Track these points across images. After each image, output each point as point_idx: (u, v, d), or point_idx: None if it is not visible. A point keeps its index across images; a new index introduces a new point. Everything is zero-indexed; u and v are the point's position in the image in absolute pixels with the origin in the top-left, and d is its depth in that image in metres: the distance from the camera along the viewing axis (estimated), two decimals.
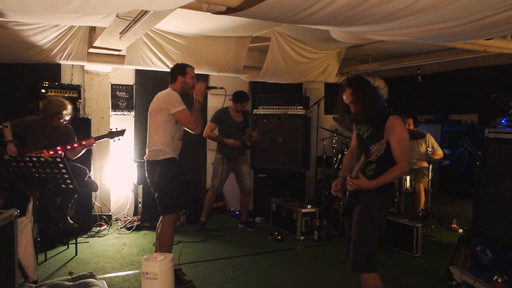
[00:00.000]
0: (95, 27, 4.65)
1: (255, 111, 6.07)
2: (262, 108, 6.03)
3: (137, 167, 5.36)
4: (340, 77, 6.55)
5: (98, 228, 5.10)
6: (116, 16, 3.50)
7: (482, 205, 3.27)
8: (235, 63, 5.66)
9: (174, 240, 3.69)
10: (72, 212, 4.52)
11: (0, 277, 2.17)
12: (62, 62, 4.91)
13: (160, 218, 3.56)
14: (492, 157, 3.22)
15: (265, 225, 5.62)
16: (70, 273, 3.24)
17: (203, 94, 3.60)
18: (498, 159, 3.17)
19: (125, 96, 5.79)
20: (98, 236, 4.91)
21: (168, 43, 5.10)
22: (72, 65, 5.31)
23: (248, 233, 5.29)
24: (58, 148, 4.02)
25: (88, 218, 5.04)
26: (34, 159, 3.11)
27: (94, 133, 5.16)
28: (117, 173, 5.64)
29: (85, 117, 5.27)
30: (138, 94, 5.87)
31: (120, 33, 4.13)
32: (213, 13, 2.88)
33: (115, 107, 5.73)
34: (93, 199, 5.15)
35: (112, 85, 5.70)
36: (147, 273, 2.89)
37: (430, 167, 5.18)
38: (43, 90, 4.64)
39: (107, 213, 5.42)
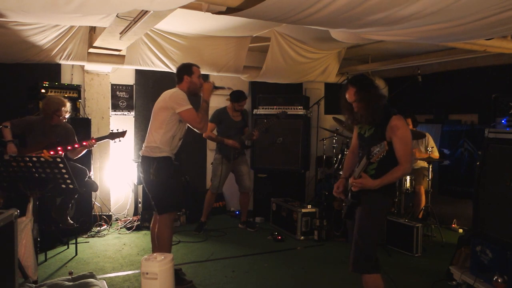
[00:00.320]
0: (95, 27, 4.65)
1: (255, 111, 6.07)
2: (262, 108, 6.02)
3: (137, 167, 5.34)
4: (340, 77, 6.55)
5: (98, 228, 5.10)
6: (116, 16, 3.50)
7: (482, 205, 3.27)
8: (235, 63, 5.66)
9: (173, 240, 3.68)
10: (72, 212, 4.52)
11: (0, 277, 2.17)
12: (62, 62, 4.91)
13: (153, 218, 3.54)
14: (492, 157, 3.22)
15: (265, 225, 5.62)
16: (70, 273, 3.24)
17: (210, 94, 3.61)
18: (498, 159, 3.17)
19: (125, 96, 5.79)
20: (98, 236, 4.91)
21: (168, 43, 5.10)
22: (72, 65, 5.31)
23: (248, 233, 5.29)
24: (59, 148, 4.02)
25: (88, 218, 5.04)
26: (34, 159, 3.11)
27: (94, 133, 5.17)
28: (117, 173, 5.64)
29: (85, 117, 5.27)
30: (138, 94, 5.87)
31: (120, 33, 4.13)
32: (213, 13, 2.88)
33: (115, 107, 5.74)
34: (93, 199, 5.15)
35: (112, 85, 5.70)
36: (147, 273, 2.88)
37: (430, 167, 5.18)
38: (43, 90, 4.64)
39: (107, 213, 5.42)
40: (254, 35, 5.36)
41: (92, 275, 3.08)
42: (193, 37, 5.17)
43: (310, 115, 6.13)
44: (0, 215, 2.13)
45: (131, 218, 5.43)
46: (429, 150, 5.18)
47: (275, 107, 5.96)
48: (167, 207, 3.43)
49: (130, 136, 5.78)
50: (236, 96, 5.16)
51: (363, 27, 3.07)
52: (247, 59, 5.72)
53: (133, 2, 2.48)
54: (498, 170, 3.14)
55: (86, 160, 4.74)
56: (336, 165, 5.48)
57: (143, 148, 3.51)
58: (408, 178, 5.16)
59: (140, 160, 3.54)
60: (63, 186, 3.31)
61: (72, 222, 4.34)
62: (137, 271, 3.79)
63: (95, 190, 4.81)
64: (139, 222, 5.24)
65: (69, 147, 4.10)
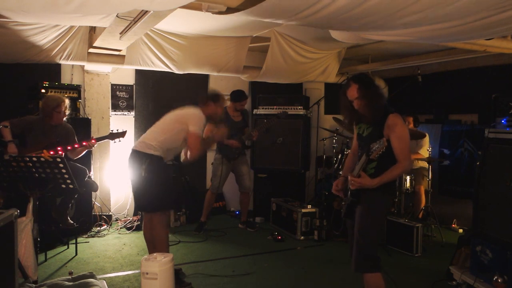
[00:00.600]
0: (95, 27, 4.65)
1: (255, 111, 6.07)
2: (262, 108, 6.02)
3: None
4: (340, 77, 6.56)
5: (98, 228, 5.10)
6: (116, 16, 3.50)
7: (482, 205, 3.27)
8: (235, 63, 5.66)
9: (173, 240, 3.67)
10: (72, 212, 4.52)
11: (0, 277, 2.17)
12: (62, 62, 4.91)
13: (144, 222, 3.49)
14: (492, 157, 3.22)
15: (265, 225, 5.62)
16: (70, 273, 3.24)
17: (219, 140, 3.76)
18: (498, 159, 3.17)
19: (125, 96, 5.79)
20: (98, 236, 4.91)
21: (168, 43, 5.10)
22: (72, 65, 5.31)
23: (248, 233, 5.29)
24: (59, 148, 4.02)
25: (88, 218, 5.04)
26: (34, 159, 3.11)
27: (94, 133, 5.17)
28: (117, 173, 5.64)
29: (85, 117, 5.27)
30: (138, 94, 5.87)
31: (120, 33, 4.13)
32: (213, 13, 2.88)
33: (115, 107, 5.74)
34: (93, 199, 5.15)
35: (112, 85, 5.70)
36: (147, 273, 2.88)
37: (430, 167, 5.18)
38: (43, 90, 4.63)
39: (107, 213, 5.42)
40: (254, 35, 5.36)
41: (92, 275, 3.08)
42: (193, 37, 5.17)
43: (310, 115, 6.13)
44: (0, 215, 2.13)
45: (131, 218, 5.43)
46: (429, 150, 5.19)
47: (275, 107, 5.95)
48: (161, 205, 3.36)
49: (130, 136, 5.78)
50: (237, 96, 5.15)
51: (363, 27, 3.08)
52: (247, 59, 5.72)
53: (133, 2, 2.49)
54: (498, 170, 3.14)
55: (86, 160, 4.74)
56: (336, 165, 5.47)
57: (136, 143, 3.47)
58: (408, 178, 5.16)
59: (131, 155, 3.42)
60: (63, 186, 3.30)
61: (72, 222, 4.34)
62: (137, 271, 3.79)
63: (95, 190, 4.82)
64: (139, 222, 5.24)
65: (69, 147, 4.10)
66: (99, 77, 5.55)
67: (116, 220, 5.54)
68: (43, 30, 4.35)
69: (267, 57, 5.55)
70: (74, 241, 4.31)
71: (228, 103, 5.25)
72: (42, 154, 3.20)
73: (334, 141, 5.89)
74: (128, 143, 5.68)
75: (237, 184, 5.39)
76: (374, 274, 2.63)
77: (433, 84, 6.10)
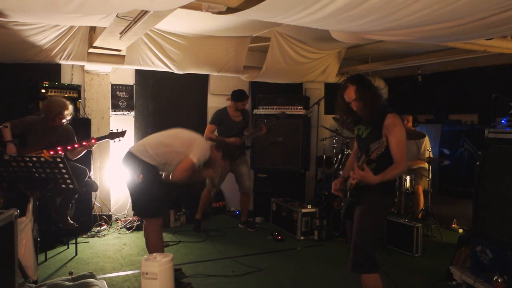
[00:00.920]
0: (95, 27, 4.65)
1: (255, 111, 6.07)
2: (262, 108, 6.02)
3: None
4: (340, 77, 6.56)
5: (98, 228, 5.10)
6: (116, 16, 3.50)
7: (482, 205, 3.27)
8: (235, 63, 5.66)
9: (173, 240, 3.66)
10: (72, 212, 4.52)
11: (0, 277, 2.17)
12: (62, 62, 4.91)
13: (145, 222, 3.48)
14: (492, 157, 3.22)
15: (265, 225, 5.62)
16: (70, 273, 3.25)
17: (206, 178, 3.75)
18: (498, 159, 3.17)
19: (125, 96, 5.80)
20: (98, 236, 4.91)
21: (168, 43, 5.10)
22: (72, 65, 5.31)
23: (248, 233, 5.29)
24: (59, 148, 4.02)
25: (88, 218, 5.04)
26: (34, 159, 3.11)
27: (94, 133, 5.17)
28: (117, 173, 5.64)
29: (85, 117, 5.27)
30: (138, 94, 5.87)
31: (120, 33, 4.13)
32: (213, 13, 2.88)
33: (115, 107, 5.74)
34: (93, 199, 5.15)
35: (112, 85, 5.70)
36: (147, 273, 2.89)
37: (430, 167, 5.18)
38: (43, 90, 4.63)
39: (107, 213, 5.42)
40: (254, 35, 5.36)
41: (92, 275, 3.08)
42: (193, 37, 5.17)
43: (310, 115, 6.13)
44: (0, 215, 2.13)
45: (131, 218, 5.43)
46: (429, 150, 5.19)
47: (275, 107, 5.95)
48: (152, 212, 3.37)
49: (130, 136, 5.78)
50: (239, 95, 5.13)
51: (363, 27, 3.08)
52: (247, 59, 5.72)
53: (133, 2, 2.49)
54: (498, 170, 3.14)
55: (86, 160, 4.74)
56: (336, 165, 5.47)
57: (136, 145, 3.47)
58: (408, 178, 5.16)
59: (126, 156, 3.41)
60: (63, 186, 3.30)
61: (72, 222, 4.34)
62: (137, 271, 3.79)
63: (95, 190, 4.81)
64: (139, 222, 5.24)
65: (69, 147, 4.10)
66: (99, 77, 5.55)
67: (116, 220, 5.54)
68: (43, 30, 4.35)
69: (267, 57, 5.55)
70: (74, 241, 4.31)
71: (229, 103, 5.24)
72: (42, 154, 3.20)
73: (334, 141, 5.89)
74: (128, 143, 5.69)
75: (237, 184, 5.38)
76: (372, 275, 2.62)
77: (433, 84, 6.10)
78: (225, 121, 5.16)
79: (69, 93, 4.84)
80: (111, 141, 4.35)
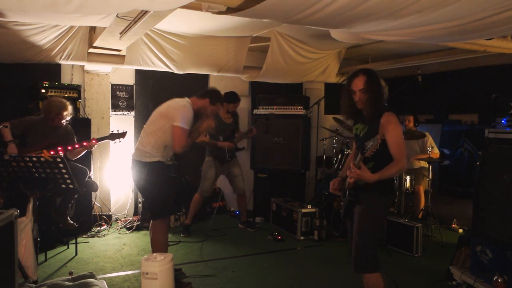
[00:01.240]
0: (95, 27, 4.65)
1: (255, 111, 6.07)
2: (262, 108, 6.02)
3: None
4: (340, 77, 6.56)
5: (98, 228, 5.10)
6: (116, 16, 3.50)
7: (482, 205, 3.27)
8: (235, 63, 5.66)
9: (173, 240, 3.67)
10: (72, 212, 4.52)
11: (0, 277, 2.17)
12: (62, 62, 4.91)
13: (151, 222, 3.48)
14: (492, 157, 3.22)
15: (265, 225, 5.62)
16: (70, 273, 3.25)
17: (205, 131, 3.61)
18: (498, 159, 3.17)
19: (125, 96, 5.80)
20: (98, 236, 4.91)
21: (168, 43, 5.10)
22: (72, 65, 5.31)
23: (248, 233, 5.29)
24: (59, 148, 4.02)
25: (88, 218, 5.04)
26: (34, 159, 3.12)
27: (94, 133, 5.17)
28: (117, 173, 5.64)
29: (85, 117, 5.27)
30: (138, 94, 5.87)
31: (120, 33, 4.13)
32: (213, 13, 2.88)
33: (115, 107, 5.74)
34: (93, 199, 5.15)
35: (112, 85, 5.70)
36: (147, 273, 2.89)
37: (430, 167, 5.18)
38: (43, 90, 4.63)
39: (107, 213, 5.42)
40: (254, 35, 5.36)
41: (92, 275, 3.08)
42: (193, 37, 5.17)
43: (310, 115, 6.13)
44: (0, 215, 2.13)
45: (131, 218, 5.43)
46: (429, 150, 5.19)
47: (275, 107, 5.95)
48: (159, 213, 3.39)
49: (130, 136, 5.78)
50: (231, 97, 5.08)
51: (363, 27, 3.08)
52: (247, 59, 5.72)
53: (133, 2, 2.49)
54: (498, 170, 3.14)
55: (86, 160, 4.74)
56: (336, 165, 5.48)
57: (134, 150, 3.48)
58: (408, 178, 5.16)
59: (132, 165, 3.45)
60: (63, 186, 3.31)
61: (72, 222, 4.34)
62: (137, 271, 3.79)
63: (95, 190, 4.82)
64: (139, 222, 5.24)
65: (69, 147, 4.10)
66: (99, 77, 5.55)
67: (116, 220, 5.54)
68: (43, 30, 4.35)
69: (267, 57, 5.55)
70: (74, 241, 4.31)
71: None
72: (42, 154, 3.20)
73: (334, 141, 5.89)
74: (128, 143, 5.70)
75: (231, 186, 5.33)
76: (374, 274, 2.62)
77: (433, 84, 6.10)
78: (216, 123, 5.10)
79: (69, 93, 4.85)
80: (112, 142, 4.35)
